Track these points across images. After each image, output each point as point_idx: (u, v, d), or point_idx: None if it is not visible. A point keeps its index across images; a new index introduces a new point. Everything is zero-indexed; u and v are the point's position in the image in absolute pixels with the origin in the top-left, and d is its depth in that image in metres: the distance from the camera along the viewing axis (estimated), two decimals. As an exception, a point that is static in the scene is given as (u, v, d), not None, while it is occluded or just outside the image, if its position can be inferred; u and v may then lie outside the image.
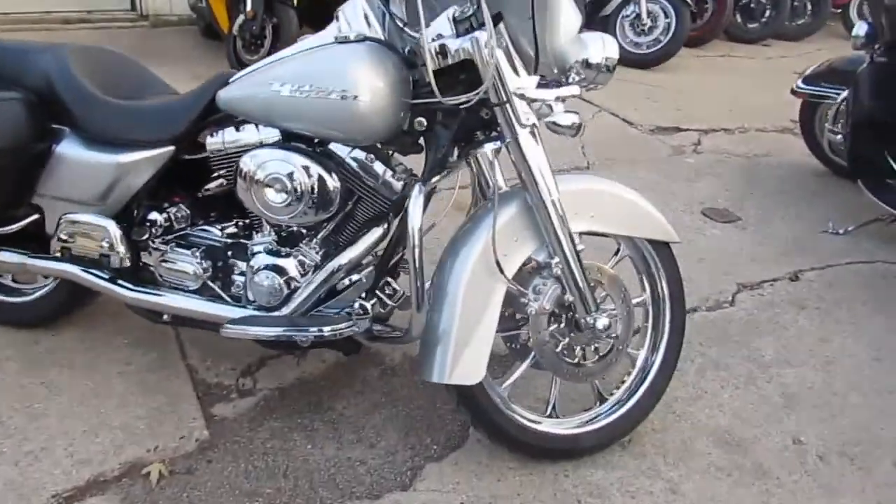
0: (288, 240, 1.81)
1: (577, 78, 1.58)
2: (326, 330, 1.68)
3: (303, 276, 1.77)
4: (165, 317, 1.88)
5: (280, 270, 1.77)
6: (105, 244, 1.82)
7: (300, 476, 1.79)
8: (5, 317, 2.18)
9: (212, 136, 1.79)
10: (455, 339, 1.63)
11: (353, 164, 1.72)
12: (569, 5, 1.56)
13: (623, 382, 1.91)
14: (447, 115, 1.67)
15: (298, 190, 1.68)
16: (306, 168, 1.68)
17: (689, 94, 5.10)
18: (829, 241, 3.07)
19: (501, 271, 1.62)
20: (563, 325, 1.75)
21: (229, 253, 1.86)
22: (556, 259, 1.67)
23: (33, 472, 1.73)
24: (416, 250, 1.58)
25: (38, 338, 2.16)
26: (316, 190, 1.68)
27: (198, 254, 1.85)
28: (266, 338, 1.72)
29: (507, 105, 1.57)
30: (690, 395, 2.11)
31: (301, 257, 1.78)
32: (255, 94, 1.69)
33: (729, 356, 2.29)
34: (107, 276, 1.86)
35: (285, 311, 1.76)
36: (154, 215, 1.88)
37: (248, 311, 1.80)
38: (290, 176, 1.68)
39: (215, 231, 1.88)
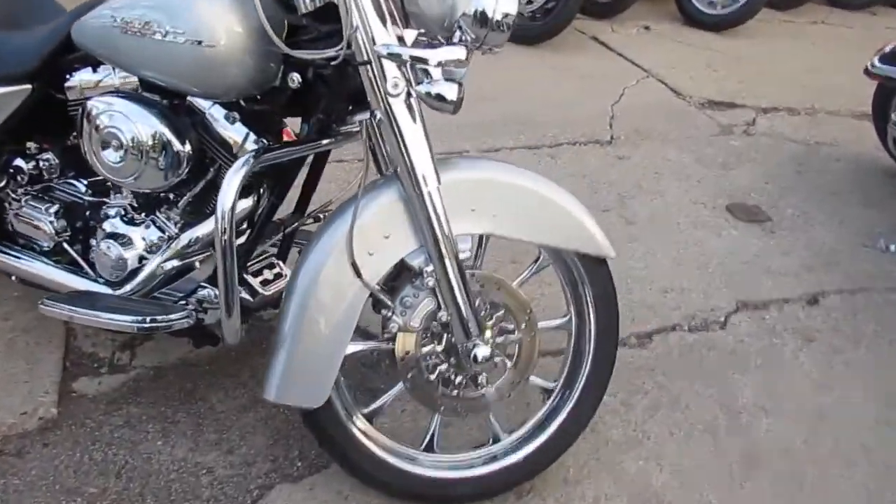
0: (145, 206, 1.55)
1: (465, 37, 1.20)
2: (155, 319, 1.42)
3: (150, 250, 1.50)
4: (14, 278, 1.67)
5: (125, 241, 1.51)
6: None
7: (135, 478, 1.56)
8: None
9: (69, 76, 1.54)
10: (295, 353, 1.34)
11: (212, 123, 1.43)
12: None
13: (527, 420, 1.57)
14: (318, 74, 1.35)
15: (136, 149, 1.40)
16: (147, 123, 1.40)
17: (759, 65, 4.47)
18: (871, 260, 2.54)
19: (358, 274, 1.30)
20: (438, 349, 1.42)
21: (89, 213, 1.61)
22: (431, 266, 1.34)
23: None
24: (224, 238, 1.27)
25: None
26: (158, 150, 1.40)
27: (54, 210, 1.62)
28: (81, 321, 1.47)
29: (371, 66, 1.23)
30: (628, 438, 1.74)
31: (153, 228, 1.52)
32: (103, 32, 1.41)
33: (694, 394, 1.89)
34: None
35: (125, 289, 1.51)
36: (19, 162, 1.65)
37: (93, 286, 1.56)
38: (127, 131, 1.40)
39: (81, 187, 1.63)
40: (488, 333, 1.41)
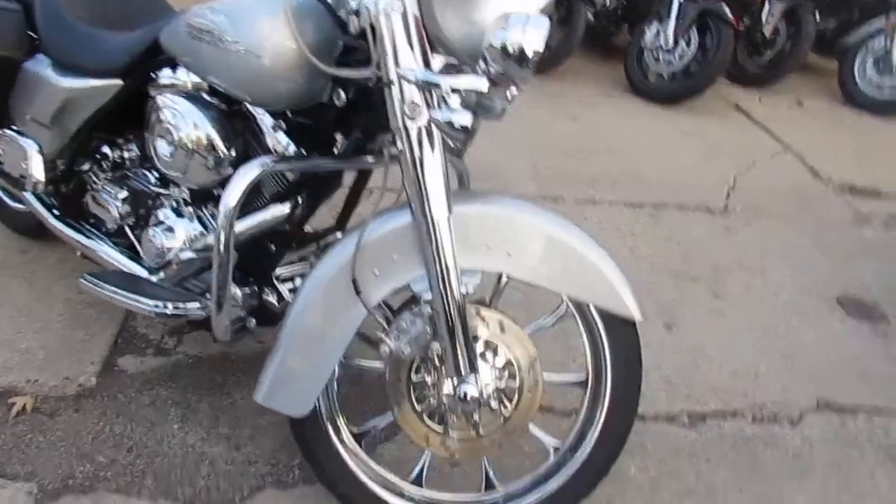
0: (195, 201, 1.63)
1: (490, 69, 1.17)
2: (170, 306, 1.48)
3: (190, 242, 1.58)
4: (79, 253, 1.81)
5: (169, 230, 1.60)
6: (23, 164, 1.79)
7: (143, 456, 1.62)
8: (11, 222, 2.27)
9: (155, 75, 1.67)
10: (287, 360, 1.34)
11: (259, 129, 1.49)
12: None
13: (524, 474, 1.47)
14: (361, 93, 1.37)
15: (185, 145, 1.49)
16: (199, 123, 1.48)
17: (922, 156, 4.04)
18: None
19: (357, 291, 1.29)
20: (428, 381, 1.37)
21: (150, 202, 1.73)
22: (430, 295, 1.30)
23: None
24: (222, 237, 1.30)
25: (29, 247, 2.24)
26: (204, 149, 1.48)
27: (123, 196, 1.75)
28: (109, 299, 1.55)
29: (391, 88, 1.23)
30: (642, 523, 1.59)
31: (196, 222, 1.60)
32: (180, 36, 1.52)
33: (735, 490, 1.69)
34: (34, 198, 1.84)
35: (160, 275, 1.59)
36: (105, 149, 1.81)
37: (138, 269, 1.66)
38: (181, 127, 1.49)
39: (151, 178, 1.76)
40: (484, 375, 1.34)
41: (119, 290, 1.52)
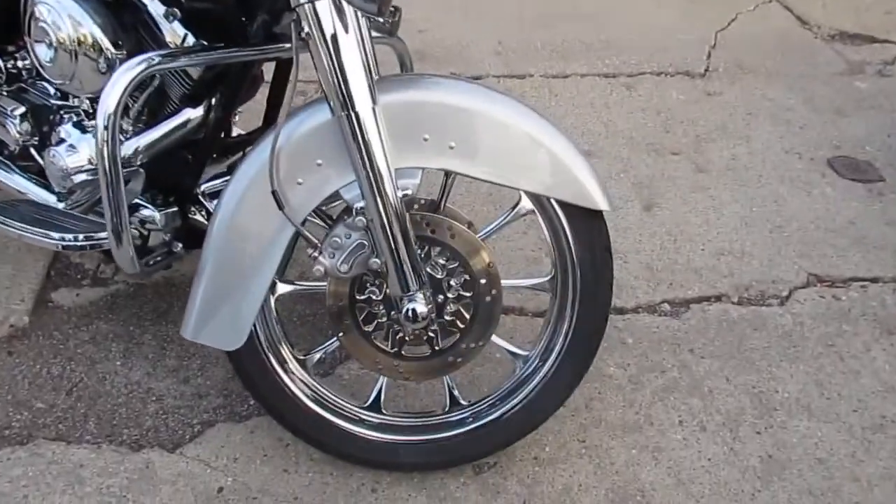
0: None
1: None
2: (80, 237, 1.31)
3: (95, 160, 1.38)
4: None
5: (71, 148, 1.39)
6: None
7: (84, 398, 1.50)
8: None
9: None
10: (213, 289, 1.19)
11: (150, 22, 1.26)
12: None
13: (494, 388, 1.36)
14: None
15: (66, 46, 1.26)
16: (77, 18, 1.25)
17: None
18: None
19: (279, 205, 1.12)
20: (373, 300, 1.22)
21: (52, 118, 1.51)
22: (363, 203, 1.13)
23: None
24: (105, 151, 1.11)
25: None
26: (89, 50, 1.26)
27: (20, 112, 1.52)
28: (13, 235, 1.38)
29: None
30: (626, 422, 1.49)
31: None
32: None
33: (723, 379, 1.59)
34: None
35: (68, 203, 1.41)
36: (-1, 61, 1.58)
37: (50, 197, 1.47)
38: (58, 26, 1.26)
39: (50, 89, 1.53)
40: (432, 288, 1.19)
41: (16, 223, 1.35)
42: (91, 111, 1.41)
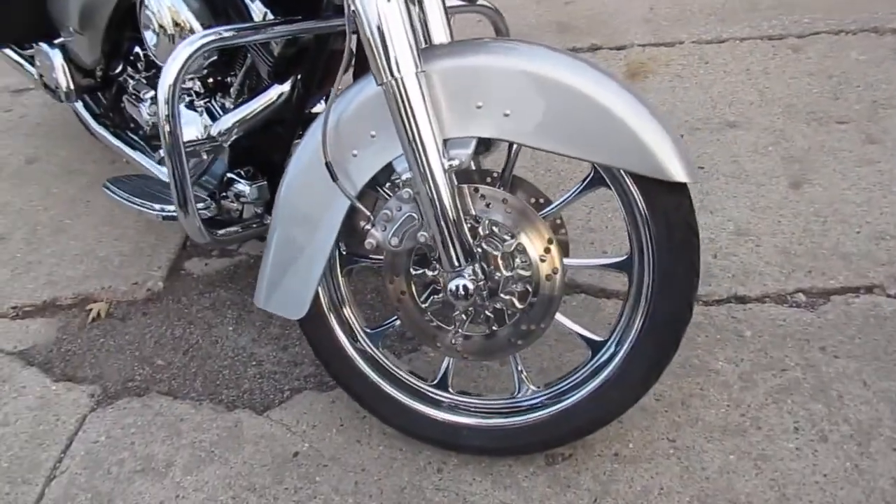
0: (205, 93, 1.52)
1: None
2: (160, 208, 1.40)
3: (195, 135, 1.48)
4: (125, 160, 1.79)
5: (183, 125, 1.49)
6: (53, 75, 1.76)
7: (196, 358, 1.62)
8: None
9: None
10: (277, 260, 1.22)
11: (238, 1, 1.32)
12: None
13: (570, 373, 1.26)
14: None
15: (164, 29, 1.36)
16: (171, 3, 1.34)
17: None
18: None
19: (334, 177, 1.12)
20: (428, 275, 1.18)
21: (177, 102, 1.64)
22: (409, 174, 1.09)
23: (14, 280, 1.87)
24: (167, 124, 1.15)
25: (118, 158, 2.28)
26: (182, 29, 1.35)
27: (150, 95, 1.68)
28: (125, 206, 1.50)
29: None
30: (728, 423, 1.32)
31: (206, 114, 1.49)
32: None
33: (858, 383, 1.35)
34: (82, 107, 1.82)
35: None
36: (137, 49, 1.74)
37: (159, 172, 1.60)
38: (157, 11, 1.36)
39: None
40: (485, 264, 1.13)
41: (131, 196, 1.48)
42: (199, 91, 1.52)
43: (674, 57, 2.38)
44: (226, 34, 1.18)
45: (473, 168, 1.26)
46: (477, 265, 1.12)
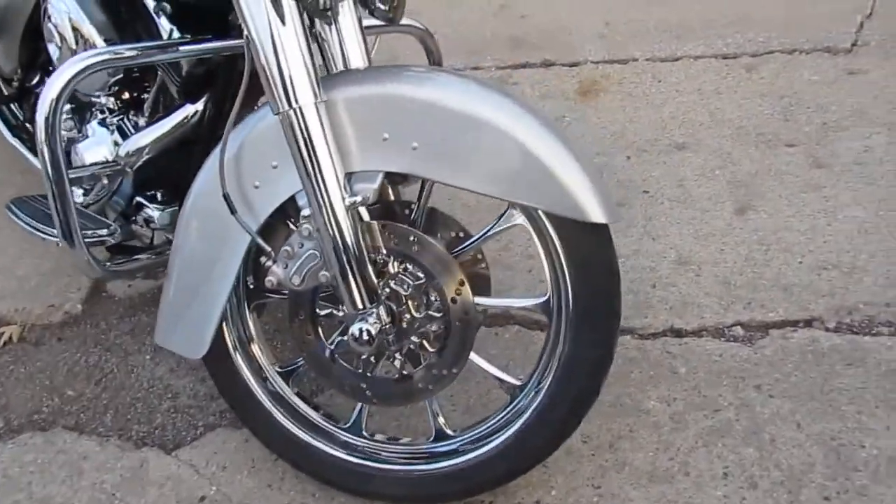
0: (118, 111, 1.43)
1: None
2: (93, 233, 1.32)
3: (99, 157, 1.39)
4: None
5: (87, 144, 1.41)
6: None
7: (109, 388, 1.54)
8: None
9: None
10: (176, 295, 1.15)
11: (147, 13, 1.24)
12: None
13: (488, 418, 1.20)
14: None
15: (66, 41, 1.29)
16: (72, 14, 1.26)
17: None
18: None
19: (232, 210, 1.04)
20: (335, 315, 1.11)
21: (88, 115, 1.54)
22: (308, 210, 1.02)
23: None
24: (45, 151, 1.07)
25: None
26: (85, 43, 1.27)
27: (66, 108, 1.58)
28: (24, 228, 1.41)
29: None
30: (656, 468, 1.25)
31: (116, 133, 1.40)
32: None
33: (792, 425, 1.29)
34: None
35: (86, 199, 1.43)
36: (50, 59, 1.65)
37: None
38: (58, 23, 1.29)
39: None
40: (391, 306, 1.06)
41: (32, 220, 1.38)
42: (108, 109, 1.43)
43: (626, 75, 2.33)
44: (116, 54, 1.10)
45: (393, 199, 1.19)
46: (382, 307, 1.05)
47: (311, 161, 0.98)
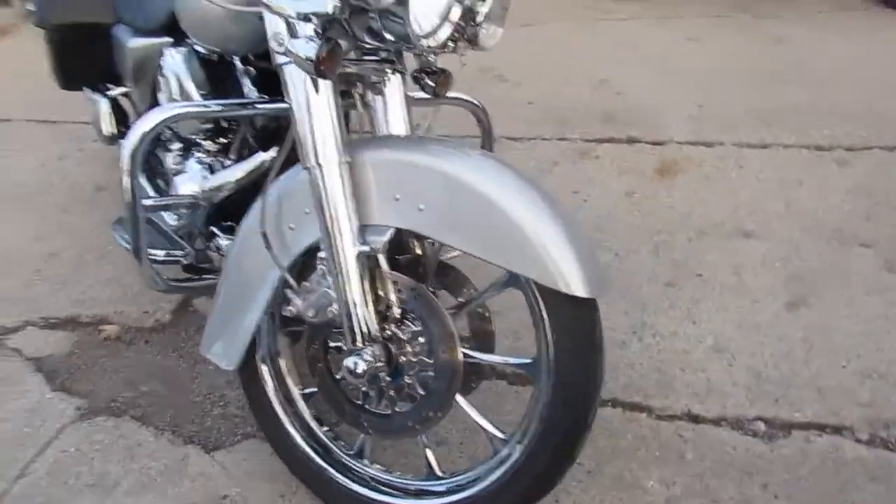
0: (211, 153, 1.67)
1: None
2: (160, 253, 1.54)
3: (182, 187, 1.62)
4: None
5: (175, 175, 1.65)
6: (98, 119, 1.97)
7: (171, 391, 1.75)
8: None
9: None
10: (218, 310, 1.33)
11: (236, 76, 1.47)
12: None
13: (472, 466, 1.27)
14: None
15: (171, 97, 1.53)
16: (177, 72, 1.51)
17: None
18: None
19: (267, 245, 1.21)
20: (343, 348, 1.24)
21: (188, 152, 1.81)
22: (323, 252, 1.17)
23: (52, 294, 2.09)
24: (127, 185, 1.28)
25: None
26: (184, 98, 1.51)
27: (176, 146, 1.85)
28: (122, 245, 1.65)
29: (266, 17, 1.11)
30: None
31: (197, 166, 1.63)
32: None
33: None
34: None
35: (178, 223, 1.67)
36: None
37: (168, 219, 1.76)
38: (166, 77, 1.53)
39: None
40: (386, 346, 1.18)
41: (123, 236, 1.63)
42: (200, 151, 1.67)
43: (709, 157, 2.35)
44: (189, 108, 1.33)
45: (420, 254, 1.32)
46: (378, 347, 1.17)
47: (329, 213, 1.13)
